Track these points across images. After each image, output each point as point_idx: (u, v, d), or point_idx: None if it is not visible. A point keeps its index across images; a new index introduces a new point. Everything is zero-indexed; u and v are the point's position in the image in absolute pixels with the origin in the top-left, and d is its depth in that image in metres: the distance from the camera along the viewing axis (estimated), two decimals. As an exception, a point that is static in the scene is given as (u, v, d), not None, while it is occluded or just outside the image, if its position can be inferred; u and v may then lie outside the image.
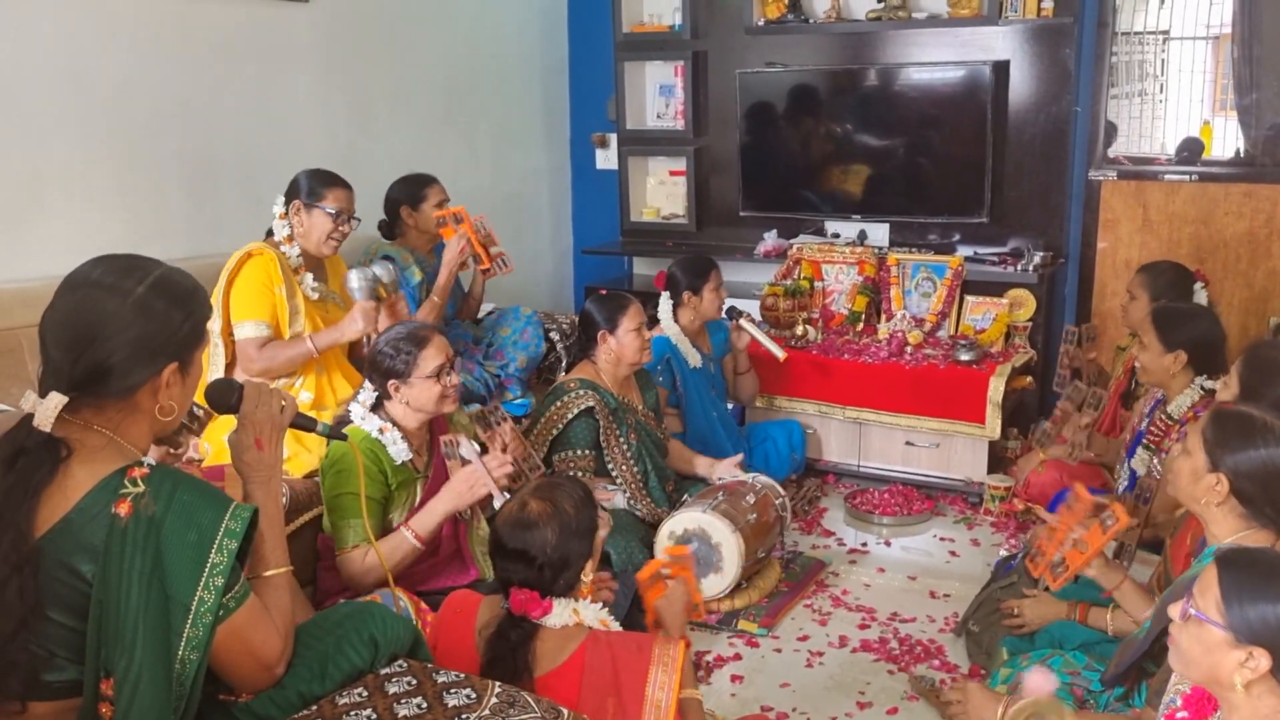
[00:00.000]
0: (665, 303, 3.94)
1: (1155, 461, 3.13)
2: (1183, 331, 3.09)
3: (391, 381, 2.73)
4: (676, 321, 3.93)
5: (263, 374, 3.07)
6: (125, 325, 1.59)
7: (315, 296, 3.27)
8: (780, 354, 4.04)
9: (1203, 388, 3.07)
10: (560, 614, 2.05)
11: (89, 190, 3.40)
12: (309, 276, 3.26)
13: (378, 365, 2.75)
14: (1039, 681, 2.19)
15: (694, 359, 3.93)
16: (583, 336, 3.52)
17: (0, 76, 3.14)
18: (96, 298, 1.60)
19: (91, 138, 3.40)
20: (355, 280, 3.19)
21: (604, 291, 3.57)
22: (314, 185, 3.24)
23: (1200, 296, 3.64)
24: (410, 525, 2.66)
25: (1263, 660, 1.54)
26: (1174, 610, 1.66)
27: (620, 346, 3.40)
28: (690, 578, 2.37)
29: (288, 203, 3.24)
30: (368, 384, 2.79)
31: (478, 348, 3.87)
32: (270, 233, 3.26)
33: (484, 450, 2.81)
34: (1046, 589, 2.68)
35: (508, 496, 2.64)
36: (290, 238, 3.23)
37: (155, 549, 1.53)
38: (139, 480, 1.56)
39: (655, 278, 4.09)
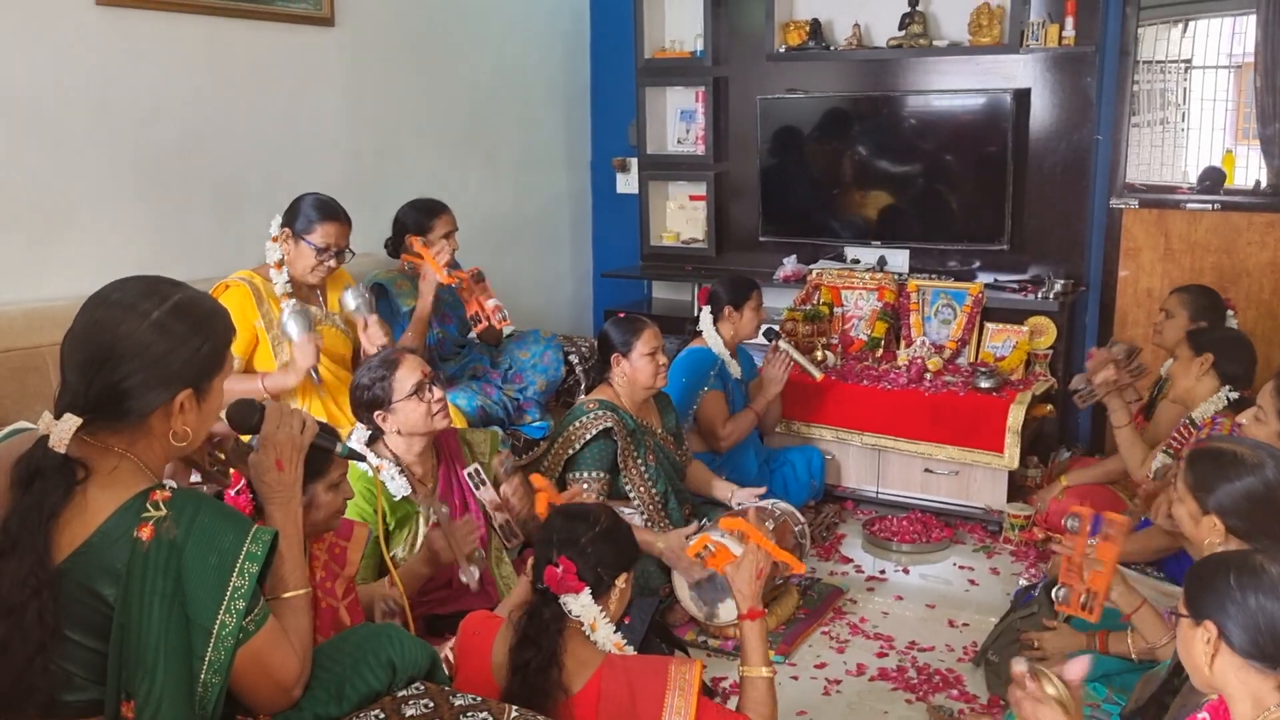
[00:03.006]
0: (706, 316, 3.98)
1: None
2: (1212, 335, 3.14)
3: (376, 413, 2.70)
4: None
5: None
6: (141, 348, 1.58)
7: None
8: (818, 375, 4.06)
9: (1228, 397, 3.05)
10: (586, 604, 2.07)
11: (116, 211, 3.45)
12: (292, 304, 3.17)
13: (359, 400, 2.72)
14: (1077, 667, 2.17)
15: (735, 370, 3.98)
16: (599, 359, 3.54)
17: (31, 99, 3.20)
18: (113, 319, 1.59)
19: (119, 160, 3.44)
20: (288, 316, 3.04)
21: (622, 315, 3.57)
22: (308, 216, 3.20)
23: (1230, 324, 3.65)
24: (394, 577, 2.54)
25: (1211, 629, 1.61)
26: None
27: (634, 370, 3.41)
28: (762, 540, 2.31)
29: (282, 226, 3.22)
30: (359, 425, 2.76)
31: (496, 370, 3.88)
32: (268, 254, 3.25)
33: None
34: (1068, 619, 2.66)
35: (474, 572, 2.62)
36: (280, 263, 3.21)
37: (177, 572, 1.54)
38: (161, 504, 1.56)
39: (699, 293, 4.12)
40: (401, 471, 2.71)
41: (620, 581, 2.15)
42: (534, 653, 2.03)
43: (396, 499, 2.69)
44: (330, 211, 3.23)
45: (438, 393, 2.74)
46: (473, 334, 3.97)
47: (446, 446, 2.90)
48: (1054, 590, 2.42)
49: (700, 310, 4.05)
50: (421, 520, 2.75)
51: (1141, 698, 2.15)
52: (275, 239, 3.22)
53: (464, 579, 2.62)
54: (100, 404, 1.57)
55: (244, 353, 3.13)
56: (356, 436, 2.73)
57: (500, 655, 2.10)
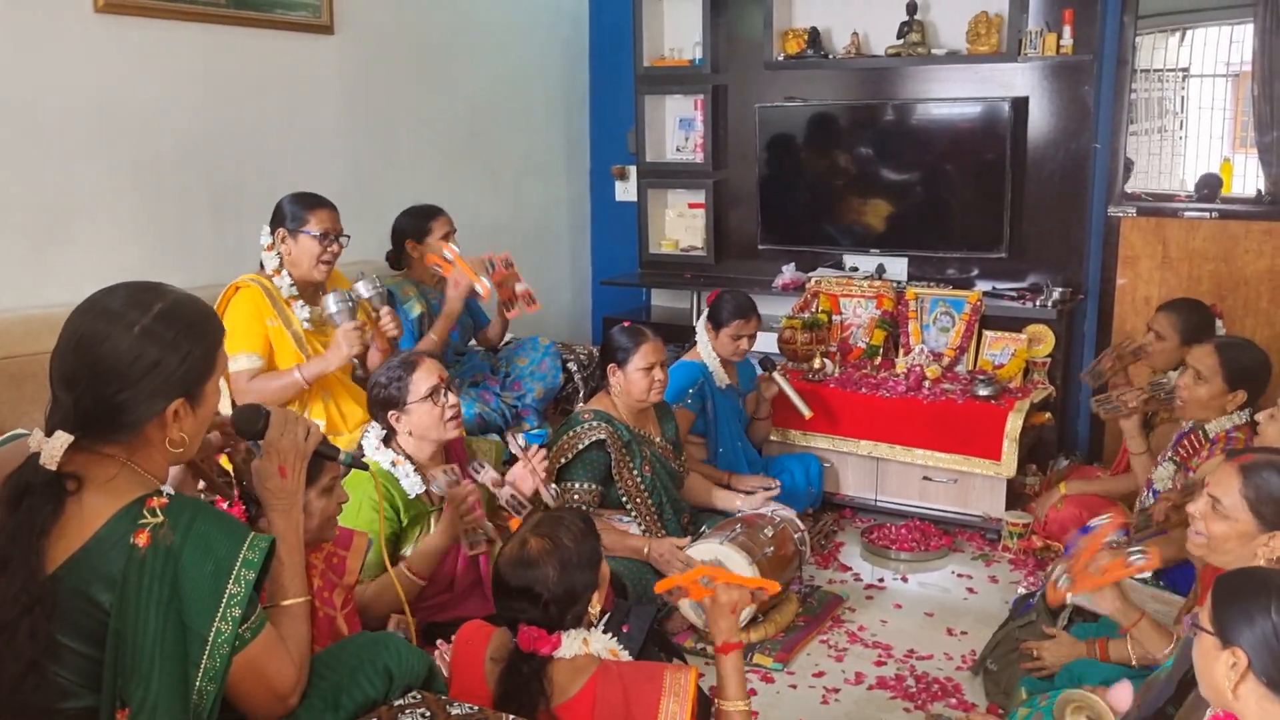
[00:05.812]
0: (703, 325, 3.97)
1: (1179, 475, 3.12)
2: (1249, 372, 3.08)
3: (390, 412, 2.74)
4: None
5: None
6: (127, 363, 1.55)
7: (308, 327, 3.22)
8: (807, 413, 4.05)
9: (1242, 415, 3.05)
10: (570, 646, 2.04)
11: (116, 217, 3.45)
12: (299, 306, 3.22)
13: (375, 399, 2.77)
14: (1121, 694, 2.17)
15: (722, 380, 3.96)
16: (601, 365, 3.54)
17: (31, 105, 3.20)
18: (98, 333, 1.56)
19: (119, 166, 3.45)
20: (334, 304, 3.12)
21: (627, 323, 3.55)
22: (296, 210, 3.22)
23: (1219, 334, 3.63)
24: (409, 563, 2.62)
25: (1241, 658, 1.58)
26: (1186, 627, 1.72)
27: (628, 383, 3.40)
28: (730, 578, 2.29)
29: (273, 232, 3.23)
30: (374, 423, 2.80)
31: (495, 378, 3.88)
32: (262, 265, 3.25)
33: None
34: (1067, 627, 2.66)
35: (479, 540, 2.65)
36: (280, 268, 3.21)
37: (173, 579, 1.53)
38: (158, 510, 1.55)
39: (710, 295, 4.09)
40: (416, 470, 2.75)
41: (595, 598, 2.09)
42: (516, 706, 1.98)
43: (411, 497, 2.72)
44: (316, 200, 3.26)
45: (452, 399, 2.78)
46: (473, 342, 3.99)
47: (455, 453, 2.94)
48: (1054, 573, 2.44)
49: (704, 311, 4.02)
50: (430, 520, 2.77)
51: (1144, 702, 2.14)
52: (270, 247, 3.23)
53: (466, 550, 2.66)
54: (91, 420, 1.56)
55: (265, 351, 3.14)
56: (373, 434, 2.76)
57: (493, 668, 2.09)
